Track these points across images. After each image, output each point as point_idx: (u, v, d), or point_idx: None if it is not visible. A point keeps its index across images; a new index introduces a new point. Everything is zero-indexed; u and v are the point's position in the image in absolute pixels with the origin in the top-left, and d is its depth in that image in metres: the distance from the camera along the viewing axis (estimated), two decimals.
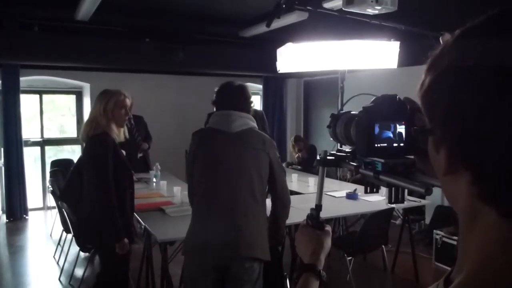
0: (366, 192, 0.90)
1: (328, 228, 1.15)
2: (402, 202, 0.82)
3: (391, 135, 0.81)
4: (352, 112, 0.95)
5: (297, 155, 6.94)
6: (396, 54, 4.23)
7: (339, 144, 1.02)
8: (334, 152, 1.01)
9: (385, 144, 0.81)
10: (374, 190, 0.88)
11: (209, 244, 2.46)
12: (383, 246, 4.70)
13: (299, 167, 6.73)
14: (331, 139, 1.00)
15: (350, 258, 4.32)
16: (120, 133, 3.18)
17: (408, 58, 4.53)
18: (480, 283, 0.49)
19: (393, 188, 0.81)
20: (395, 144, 0.81)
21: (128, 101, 3.19)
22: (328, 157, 1.01)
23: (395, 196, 0.81)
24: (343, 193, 4.66)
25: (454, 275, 0.55)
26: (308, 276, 1.08)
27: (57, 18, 5.98)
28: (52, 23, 6.11)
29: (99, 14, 5.26)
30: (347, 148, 0.98)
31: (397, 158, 0.81)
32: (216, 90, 2.71)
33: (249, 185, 2.52)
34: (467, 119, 0.49)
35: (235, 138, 2.52)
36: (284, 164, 7.36)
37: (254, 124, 2.61)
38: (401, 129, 0.82)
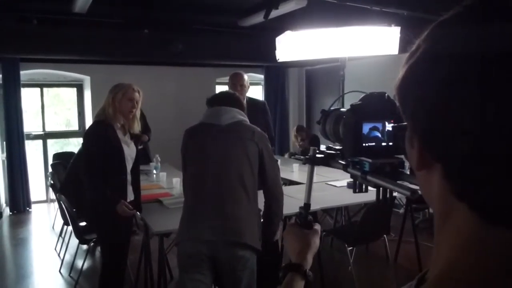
0: (354, 192, 0.87)
1: (317, 227, 1.13)
2: (389, 202, 0.79)
3: (379, 134, 0.78)
4: (341, 109, 0.92)
5: (299, 144, 6.91)
6: (397, 40, 4.17)
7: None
8: (324, 150, 0.98)
9: (373, 144, 0.78)
10: (363, 190, 0.85)
11: (199, 232, 2.51)
12: (385, 235, 4.67)
13: (301, 157, 6.67)
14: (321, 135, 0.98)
15: (351, 248, 4.29)
16: (132, 125, 3.45)
17: (409, 44, 4.43)
18: (447, 282, 0.47)
19: (380, 188, 0.78)
20: (383, 144, 0.78)
21: (137, 95, 3.41)
22: (318, 155, 0.98)
23: (383, 196, 0.78)
24: (344, 183, 4.61)
25: (429, 274, 0.53)
26: (293, 275, 1.06)
27: (55, 11, 5.93)
28: (50, 16, 6.07)
29: (96, 6, 5.21)
30: (337, 146, 0.95)
31: (385, 157, 0.78)
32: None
33: (239, 175, 2.57)
34: (434, 110, 0.47)
35: (225, 130, 2.62)
36: (286, 155, 7.34)
37: (244, 118, 2.72)
38: (389, 128, 0.79)
